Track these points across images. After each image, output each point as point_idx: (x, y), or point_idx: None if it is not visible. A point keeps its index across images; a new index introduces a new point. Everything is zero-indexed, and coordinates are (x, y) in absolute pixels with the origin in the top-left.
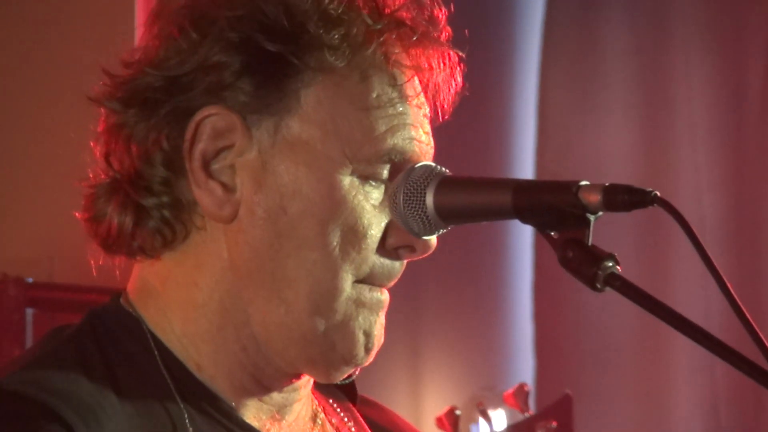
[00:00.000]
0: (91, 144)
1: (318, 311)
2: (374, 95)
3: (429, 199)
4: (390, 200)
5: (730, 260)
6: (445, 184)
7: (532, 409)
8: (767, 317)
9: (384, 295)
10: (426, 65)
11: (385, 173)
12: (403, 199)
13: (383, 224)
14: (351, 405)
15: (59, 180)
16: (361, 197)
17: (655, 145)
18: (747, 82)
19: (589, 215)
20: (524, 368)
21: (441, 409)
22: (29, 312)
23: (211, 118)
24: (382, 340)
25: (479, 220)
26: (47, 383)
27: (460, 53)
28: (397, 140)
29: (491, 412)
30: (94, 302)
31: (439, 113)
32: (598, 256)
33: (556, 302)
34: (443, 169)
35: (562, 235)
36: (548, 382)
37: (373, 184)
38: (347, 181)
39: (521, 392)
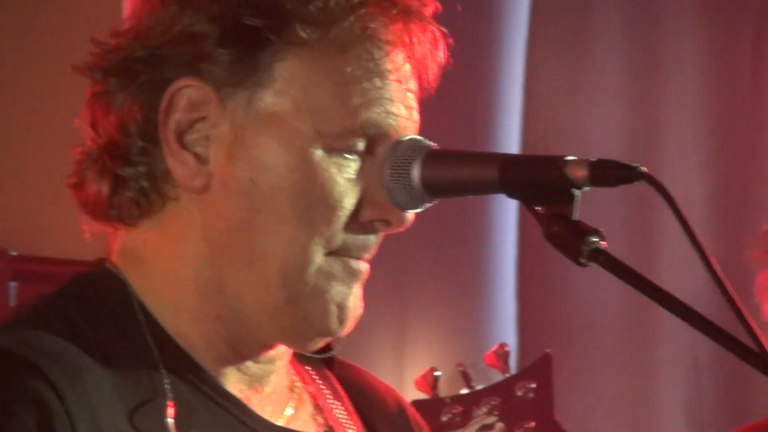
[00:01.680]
0: (82, 112)
1: (288, 283)
2: (349, 69)
3: (416, 172)
4: (377, 173)
5: (717, 238)
6: (432, 157)
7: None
8: (752, 294)
9: (360, 266)
10: (407, 40)
11: (361, 146)
12: (390, 172)
13: (356, 197)
14: (328, 371)
15: (43, 153)
16: (334, 170)
17: (642, 124)
18: (736, 62)
19: (575, 190)
20: (506, 342)
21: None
22: (13, 285)
23: (187, 90)
24: (360, 311)
25: (466, 194)
26: (31, 340)
27: (443, 29)
28: (371, 114)
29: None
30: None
31: (424, 87)
32: (583, 231)
33: (539, 276)
34: (431, 142)
35: (548, 210)
36: (530, 358)
37: (349, 157)
38: (318, 154)
39: (502, 352)
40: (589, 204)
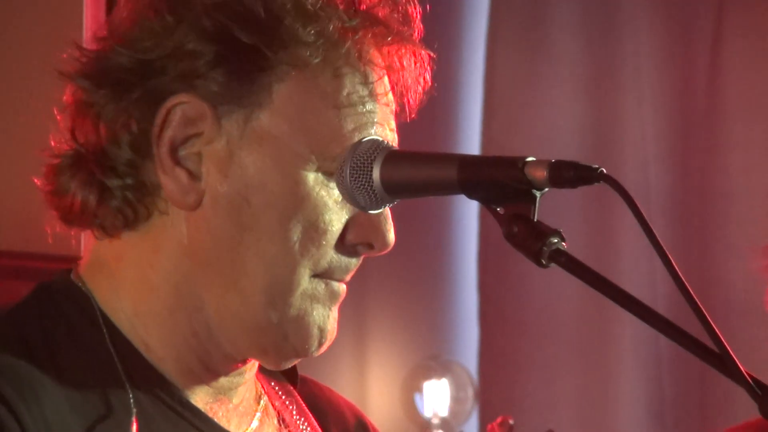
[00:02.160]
0: (55, 113)
1: (273, 304)
2: (345, 93)
3: (376, 173)
4: (337, 175)
5: (676, 231)
6: (391, 158)
7: (474, 374)
8: (711, 288)
9: (341, 289)
10: (398, 64)
11: None
12: (350, 173)
13: (344, 220)
14: (291, 387)
15: (4, 147)
16: (324, 193)
17: (601, 117)
18: (694, 54)
19: (535, 191)
20: (469, 338)
21: (386, 379)
22: None
23: (182, 106)
24: (335, 334)
25: (425, 195)
26: None
27: (431, 53)
28: (362, 138)
29: (435, 381)
30: (40, 269)
31: (407, 111)
32: (543, 232)
33: (501, 273)
34: (390, 143)
35: (508, 211)
36: (492, 351)
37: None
38: (312, 177)
39: (506, 426)
40: (547, 201)
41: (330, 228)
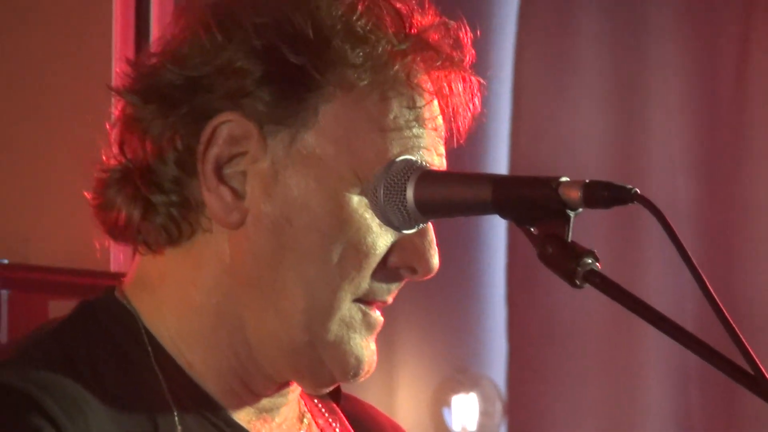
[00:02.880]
0: (107, 127)
1: (310, 326)
2: (392, 116)
3: (409, 193)
4: (370, 194)
5: (703, 242)
6: (425, 178)
7: (503, 388)
8: (739, 298)
9: (378, 320)
10: (446, 89)
11: None
12: (383, 193)
13: (388, 244)
14: (335, 405)
15: (35, 161)
16: (367, 216)
17: (629, 130)
18: (721, 65)
19: (569, 211)
20: (497, 352)
21: (414, 393)
22: (4, 293)
23: (228, 124)
24: (374, 366)
25: (459, 215)
26: (32, 376)
27: (482, 80)
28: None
29: (463, 395)
30: (69, 283)
31: (456, 136)
32: (577, 253)
33: (529, 286)
34: (424, 163)
35: (542, 231)
36: (520, 365)
37: None
38: (355, 199)
39: None
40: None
41: (372, 251)
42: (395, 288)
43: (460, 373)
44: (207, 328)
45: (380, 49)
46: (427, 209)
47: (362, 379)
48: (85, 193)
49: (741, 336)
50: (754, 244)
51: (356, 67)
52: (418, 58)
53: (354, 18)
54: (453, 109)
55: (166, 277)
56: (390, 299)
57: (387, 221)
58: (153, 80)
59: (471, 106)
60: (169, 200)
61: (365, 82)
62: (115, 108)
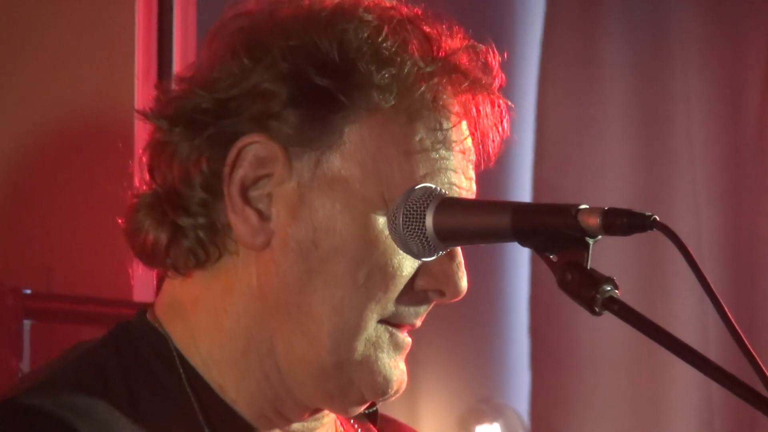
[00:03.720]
0: (140, 153)
1: (337, 348)
2: (417, 139)
3: (429, 221)
4: (389, 222)
5: (727, 273)
6: (444, 205)
7: (526, 418)
8: (761, 328)
9: (406, 341)
10: (474, 112)
11: None
12: (403, 221)
13: (415, 266)
14: (371, 425)
15: (57, 191)
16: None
17: (652, 159)
18: (744, 98)
19: (588, 239)
20: (520, 381)
21: (438, 423)
22: (27, 323)
23: (254, 146)
24: (404, 385)
25: (478, 242)
26: (65, 399)
27: (510, 103)
28: (435, 184)
29: (487, 425)
30: (92, 312)
31: (483, 160)
32: (597, 280)
33: (552, 316)
34: (443, 190)
35: (561, 258)
36: (543, 395)
37: None
38: (381, 221)
39: None
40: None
41: (399, 273)
42: (423, 311)
43: (484, 403)
44: (238, 352)
45: (406, 71)
46: (446, 237)
47: (392, 399)
48: (118, 219)
49: (762, 365)
50: None
51: (382, 89)
52: (445, 81)
53: (380, 40)
54: (481, 132)
55: (198, 303)
56: (418, 322)
57: (407, 249)
58: (180, 104)
59: (500, 129)
60: (196, 223)
61: (391, 104)
62: (146, 134)
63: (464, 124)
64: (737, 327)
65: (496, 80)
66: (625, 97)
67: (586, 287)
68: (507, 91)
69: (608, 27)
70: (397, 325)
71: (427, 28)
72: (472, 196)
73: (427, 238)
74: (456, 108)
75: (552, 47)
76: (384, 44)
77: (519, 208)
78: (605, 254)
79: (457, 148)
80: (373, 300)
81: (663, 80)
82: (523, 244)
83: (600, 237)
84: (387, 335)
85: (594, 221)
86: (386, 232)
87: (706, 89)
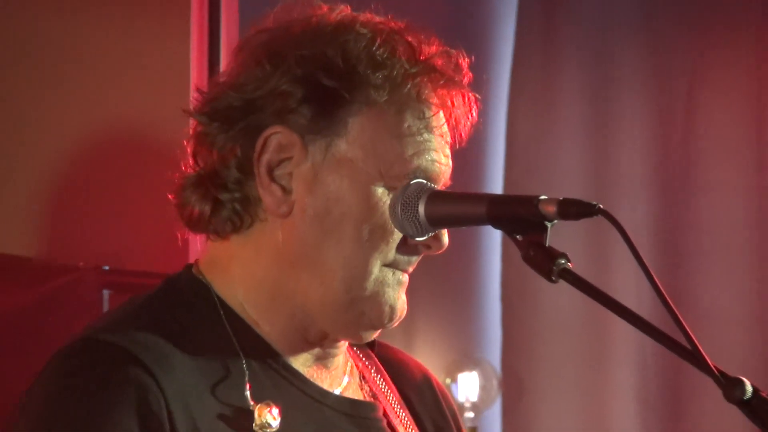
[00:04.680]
0: (185, 143)
1: (350, 290)
2: (406, 125)
3: (421, 209)
4: (390, 209)
5: (659, 255)
6: (433, 197)
7: (498, 368)
8: (685, 300)
9: (404, 278)
10: (449, 103)
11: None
12: (401, 209)
13: None
14: (370, 351)
15: (129, 184)
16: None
17: (600, 162)
18: (672, 114)
19: (546, 222)
20: (493, 338)
21: (430, 369)
22: (105, 293)
23: (277, 135)
24: (405, 311)
25: (460, 226)
26: (130, 335)
27: (477, 95)
28: (421, 161)
29: (467, 373)
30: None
31: (457, 140)
32: (553, 255)
33: (519, 286)
34: (432, 185)
35: (525, 238)
36: (512, 349)
37: None
38: (380, 191)
39: None
40: (556, 231)
41: (395, 229)
42: (415, 260)
43: (465, 356)
44: (268, 297)
45: (395, 72)
46: (435, 222)
47: (395, 324)
48: (169, 195)
49: (684, 323)
50: (697, 253)
51: (377, 87)
52: (426, 79)
53: (374, 48)
54: (455, 119)
55: (234, 259)
56: (411, 269)
57: (404, 231)
58: (217, 103)
59: (469, 116)
60: (233, 197)
61: (384, 99)
62: (190, 128)
63: (442, 113)
64: (665, 294)
65: (466, 78)
66: (579, 113)
67: (545, 261)
68: (482, 108)
69: (566, 58)
70: (395, 266)
71: (410, 38)
72: (448, 170)
73: (420, 222)
74: (435, 100)
75: (520, 73)
76: (377, 51)
77: (492, 199)
78: (561, 237)
79: (437, 132)
80: (376, 251)
81: (608, 99)
82: (496, 227)
83: (556, 221)
84: (390, 274)
85: (551, 209)
86: (384, 199)
87: (641, 107)
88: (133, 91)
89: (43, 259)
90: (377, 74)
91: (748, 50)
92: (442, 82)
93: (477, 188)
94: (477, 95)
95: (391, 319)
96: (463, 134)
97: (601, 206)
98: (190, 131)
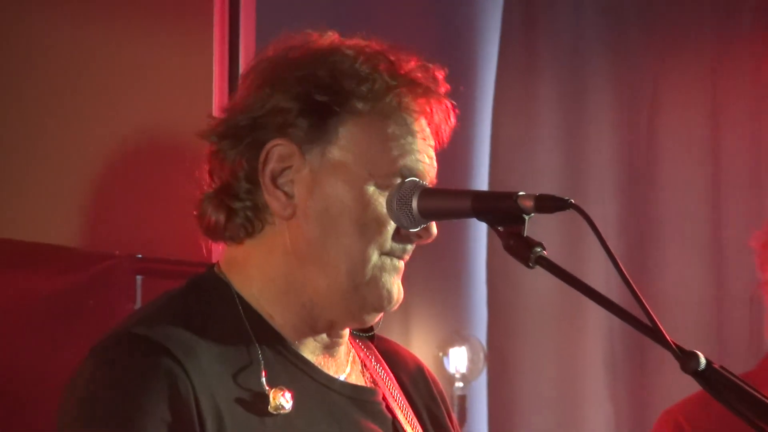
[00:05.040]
0: (203, 165)
1: (353, 278)
2: (390, 131)
3: (414, 204)
4: (387, 204)
5: (625, 245)
6: (425, 193)
7: (485, 344)
8: (647, 283)
9: (400, 264)
10: (428, 110)
11: (399, 183)
12: (397, 204)
13: None
14: (370, 343)
15: (160, 180)
16: (381, 200)
17: (574, 163)
18: (636, 120)
19: (524, 216)
20: (480, 317)
21: (423, 347)
22: (138, 278)
23: (278, 147)
24: (402, 296)
25: (449, 218)
26: (161, 329)
27: (454, 102)
28: (405, 162)
29: (457, 348)
30: (185, 271)
31: (439, 142)
32: (531, 244)
33: (502, 271)
34: (424, 183)
35: (506, 229)
36: (497, 327)
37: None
38: (371, 189)
39: None
40: (534, 224)
41: (388, 222)
42: (410, 249)
43: (455, 334)
44: (280, 292)
45: (377, 85)
46: (426, 215)
47: (394, 307)
48: (194, 212)
49: (646, 304)
50: (658, 242)
51: (362, 98)
52: (406, 90)
53: (357, 65)
54: (436, 124)
55: (249, 259)
56: (406, 257)
57: (399, 223)
58: (226, 123)
59: (449, 121)
60: (244, 206)
61: (369, 109)
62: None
63: (423, 120)
64: (629, 278)
65: (443, 87)
66: (555, 119)
67: (523, 249)
68: (470, 115)
69: (543, 70)
70: (390, 254)
71: (391, 56)
72: (433, 169)
73: (414, 215)
74: (416, 108)
75: (503, 84)
76: (360, 68)
77: (477, 195)
78: (538, 228)
79: (419, 136)
80: (373, 241)
81: (581, 106)
82: (480, 219)
83: (533, 215)
84: (388, 260)
85: (529, 203)
86: (375, 195)
87: (610, 112)
88: (162, 96)
89: (84, 248)
90: (361, 88)
91: (703, 61)
92: (420, 91)
93: (465, 185)
94: (454, 102)
95: (389, 302)
96: (444, 137)
97: (573, 201)
98: (206, 152)
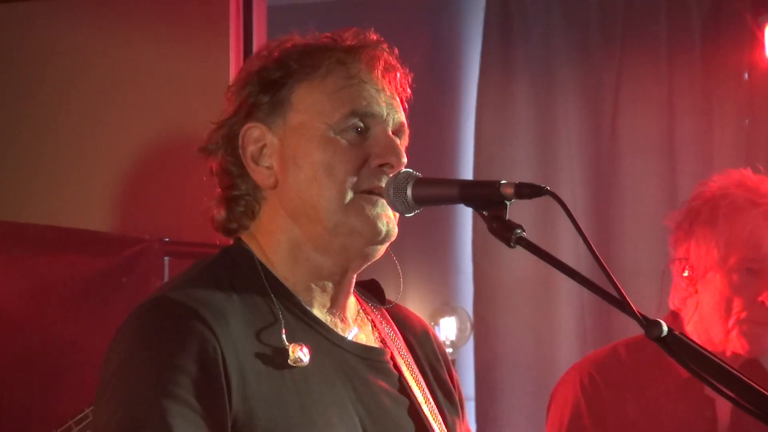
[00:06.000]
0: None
1: (336, 216)
2: (333, 85)
3: (409, 192)
4: (385, 192)
5: (592, 225)
6: (419, 182)
7: (471, 314)
8: (614, 259)
9: (380, 201)
10: (373, 63)
11: (359, 124)
12: (393, 192)
13: (363, 155)
14: (382, 308)
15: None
16: (343, 142)
17: (547, 155)
18: (601, 118)
19: (506, 201)
20: (467, 291)
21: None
22: (166, 259)
23: (249, 131)
24: (395, 230)
25: (439, 204)
26: (193, 294)
27: (394, 46)
28: (354, 106)
29: (447, 318)
30: (208, 253)
31: (397, 89)
32: (511, 226)
33: (486, 251)
34: (418, 173)
35: (490, 213)
36: (482, 301)
37: (351, 132)
38: (330, 135)
39: None
40: (515, 210)
41: (353, 160)
42: (384, 180)
43: (445, 305)
44: (288, 252)
45: (318, 54)
46: (419, 201)
47: (385, 238)
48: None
49: (614, 278)
50: (622, 223)
51: (305, 67)
52: (344, 51)
53: (300, 47)
54: (387, 74)
55: (260, 231)
56: (381, 184)
57: (395, 208)
58: (215, 130)
59: (398, 70)
60: (241, 192)
61: (313, 73)
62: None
63: (372, 73)
64: (599, 255)
65: (384, 44)
66: (531, 116)
67: (505, 230)
68: (455, 114)
69: (520, 73)
70: (369, 191)
71: (324, 39)
72: (394, 112)
73: (408, 202)
74: (358, 63)
75: (485, 86)
76: (306, 47)
77: (464, 183)
78: (517, 213)
79: (368, 86)
80: (344, 180)
81: (553, 105)
82: (467, 205)
83: (513, 200)
84: (366, 197)
85: (510, 190)
86: (335, 140)
87: (578, 110)
88: (185, 98)
89: (117, 233)
90: (303, 60)
91: (659, 63)
92: (358, 48)
93: (453, 175)
94: (396, 48)
95: (379, 232)
96: (400, 85)
97: (549, 188)
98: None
